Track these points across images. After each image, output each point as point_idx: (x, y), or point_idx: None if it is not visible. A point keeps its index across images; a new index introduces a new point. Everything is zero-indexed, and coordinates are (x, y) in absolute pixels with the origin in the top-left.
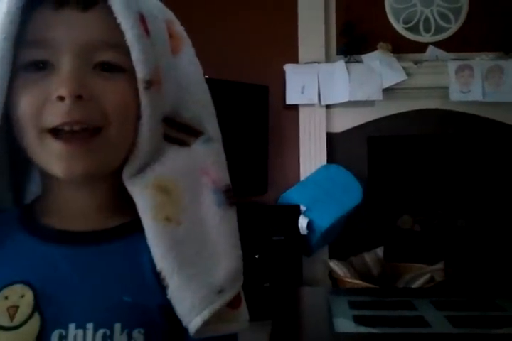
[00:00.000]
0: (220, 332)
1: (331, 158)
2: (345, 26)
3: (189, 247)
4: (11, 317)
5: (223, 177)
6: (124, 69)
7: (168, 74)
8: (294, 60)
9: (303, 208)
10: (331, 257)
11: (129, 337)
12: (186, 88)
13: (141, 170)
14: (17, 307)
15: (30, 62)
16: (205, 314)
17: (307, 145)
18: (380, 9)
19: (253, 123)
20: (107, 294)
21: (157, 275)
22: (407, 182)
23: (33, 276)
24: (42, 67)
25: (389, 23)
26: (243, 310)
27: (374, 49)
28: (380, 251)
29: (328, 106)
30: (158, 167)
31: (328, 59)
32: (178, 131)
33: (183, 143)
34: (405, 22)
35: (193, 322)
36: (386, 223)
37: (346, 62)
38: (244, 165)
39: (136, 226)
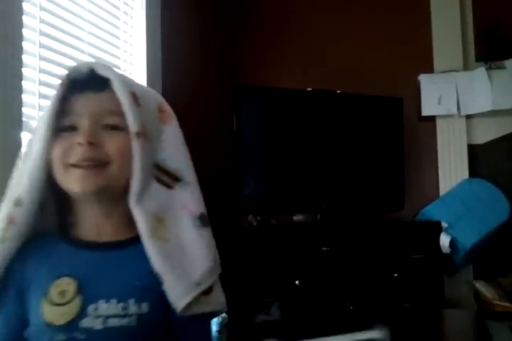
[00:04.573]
0: (198, 312)
1: (473, 172)
2: (484, 30)
3: (175, 256)
4: (63, 297)
5: (198, 208)
6: (122, 128)
7: (155, 135)
8: (429, 69)
9: (444, 225)
10: (476, 278)
11: (139, 307)
12: (170, 149)
13: (139, 201)
14: (65, 291)
15: (66, 126)
16: (188, 299)
17: (446, 158)
18: None
19: (388, 137)
20: (123, 281)
21: (155, 274)
22: None
23: (74, 271)
24: (71, 129)
25: None
26: (215, 296)
27: None
28: None
29: (468, 117)
30: (151, 201)
31: (466, 67)
32: (165, 175)
33: (169, 186)
34: None
35: (180, 304)
36: None
37: (487, 69)
38: (380, 181)
39: (138, 240)
